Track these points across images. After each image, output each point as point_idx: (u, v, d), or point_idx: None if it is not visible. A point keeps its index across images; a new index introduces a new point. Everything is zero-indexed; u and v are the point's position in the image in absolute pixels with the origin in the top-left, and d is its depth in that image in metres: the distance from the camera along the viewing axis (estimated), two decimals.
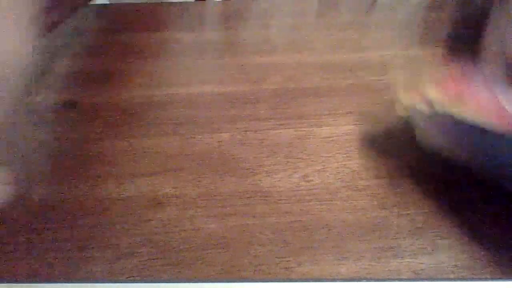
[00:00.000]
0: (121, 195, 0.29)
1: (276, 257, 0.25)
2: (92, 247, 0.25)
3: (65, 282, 0.24)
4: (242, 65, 0.42)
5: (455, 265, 0.24)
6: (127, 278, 0.24)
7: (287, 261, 0.25)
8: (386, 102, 0.36)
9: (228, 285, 0.23)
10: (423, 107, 0.28)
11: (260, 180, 0.30)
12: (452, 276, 0.24)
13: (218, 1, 0.54)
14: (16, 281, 0.24)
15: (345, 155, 0.32)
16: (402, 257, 0.25)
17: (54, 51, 0.45)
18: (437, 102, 0.28)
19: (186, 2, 0.54)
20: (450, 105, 0.27)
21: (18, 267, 0.25)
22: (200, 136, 0.34)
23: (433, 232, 0.26)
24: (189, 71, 0.41)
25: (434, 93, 0.29)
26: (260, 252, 0.25)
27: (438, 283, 0.23)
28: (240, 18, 0.50)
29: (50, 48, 0.45)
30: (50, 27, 0.38)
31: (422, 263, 0.24)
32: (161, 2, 0.54)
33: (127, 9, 0.52)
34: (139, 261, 0.25)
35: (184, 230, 0.26)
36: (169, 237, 0.26)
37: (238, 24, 0.49)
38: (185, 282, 0.23)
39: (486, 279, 0.23)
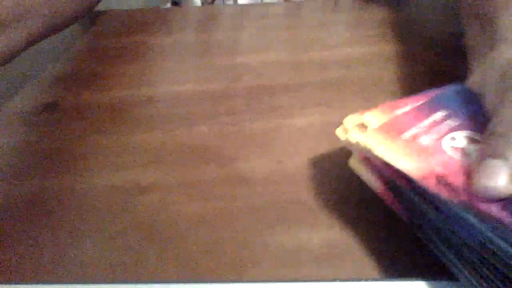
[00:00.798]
0: (107, 185, 0.30)
1: (254, 232, 0.27)
2: (83, 232, 0.27)
3: (65, 283, 0.24)
4: (217, 65, 0.45)
5: None
6: (117, 257, 0.25)
7: (264, 234, 0.27)
8: (353, 94, 0.39)
9: (228, 285, 0.24)
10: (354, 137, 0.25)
11: (238, 167, 0.32)
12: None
13: (194, 6, 0.56)
14: (16, 281, 0.25)
15: (316, 143, 0.34)
16: (365, 223, 0.27)
17: (39, 55, 0.46)
18: (366, 133, 0.25)
19: (164, 8, 0.57)
20: (378, 139, 0.24)
21: (14, 245, 0.26)
22: (180, 130, 0.36)
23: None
24: (168, 72, 0.43)
25: (369, 118, 0.26)
26: (239, 228, 0.27)
27: (438, 283, 0.24)
28: (214, 22, 0.53)
29: (35, 52, 0.46)
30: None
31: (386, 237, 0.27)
32: (142, 8, 0.56)
33: (108, 15, 0.54)
34: (132, 237, 0.27)
35: (168, 213, 0.28)
36: (155, 220, 0.28)
37: (212, 28, 0.51)
38: (185, 282, 0.24)
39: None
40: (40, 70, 0.44)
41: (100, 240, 0.27)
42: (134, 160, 0.33)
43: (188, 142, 0.35)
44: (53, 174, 0.32)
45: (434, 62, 0.43)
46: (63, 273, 0.25)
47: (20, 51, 0.36)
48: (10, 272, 0.25)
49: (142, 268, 0.25)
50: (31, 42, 0.37)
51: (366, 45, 0.47)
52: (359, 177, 0.30)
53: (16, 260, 0.26)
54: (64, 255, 0.26)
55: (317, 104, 0.39)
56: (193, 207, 0.29)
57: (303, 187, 0.30)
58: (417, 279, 0.23)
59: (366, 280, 0.24)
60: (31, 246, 0.27)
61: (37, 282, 0.24)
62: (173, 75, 0.43)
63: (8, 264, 0.26)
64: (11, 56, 0.35)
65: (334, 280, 0.24)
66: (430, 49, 0.45)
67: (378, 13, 0.53)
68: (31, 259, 0.26)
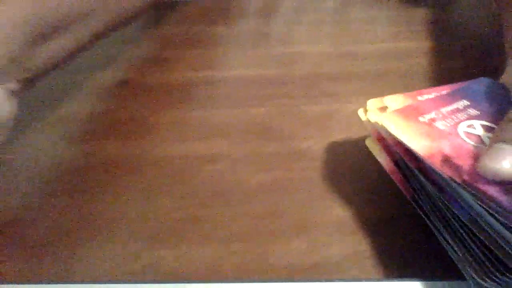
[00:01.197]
0: (177, 153, 0.34)
1: (315, 201, 0.29)
2: (159, 191, 0.30)
3: (65, 283, 0.25)
4: (273, 53, 0.47)
5: None
6: (191, 212, 0.29)
7: (324, 203, 0.29)
8: (404, 85, 0.41)
9: (230, 285, 0.25)
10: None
11: (296, 145, 0.35)
12: None
13: None
14: (16, 281, 0.25)
15: None
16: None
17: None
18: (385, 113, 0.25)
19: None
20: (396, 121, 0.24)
21: (97, 199, 0.30)
22: (240, 110, 0.39)
23: None
24: (227, 58, 0.46)
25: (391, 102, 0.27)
26: (300, 197, 0.30)
27: (438, 283, 0.24)
28: (270, 13, 0.55)
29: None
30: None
31: None
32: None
33: (172, 6, 0.58)
34: (200, 201, 0.29)
35: (234, 180, 0.31)
36: (223, 185, 0.31)
37: (268, 18, 0.54)
38: (186, 282, 0.25)
39: None
40: (114, 53, 0.48)
41: (173, 198, 0.30)
42: (201, 133, 0.36)
43: (248, 121, 0.37)
44: (129, 141, 0.35)
45: (474, 59, 0.44)
46: (142, 224, 0.28)
47: (87, 47, 0.35)
48: (97, 221, 0.29)
49: (214, 224, 0.28)
50: (97, 38, 0.36)
51: (412, 40, 0.49)
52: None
53: (101, 207, 0.30)
54: (143, 210, 0.29)
55: (370, 93, 0.40)
56: (257, 176, 0.32)
57: (358, 167, 0.32)
58: (418, 279, 0.24)
59: (367, 280, 0.25)
60: (112, 199, 0.30)
61: (38, 282, 0.25)
62: (232, 61, 0.46)
63: (97, 210, 0.29)
64: (76, 52, 0.34)
65: (333, 280, 0.25)
66: (471, 47, 0.46)
67: (423, 11, 0.54)
68: (118, 208, 0.30)
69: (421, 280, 0.24)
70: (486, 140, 0.23)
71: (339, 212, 0.29)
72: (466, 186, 0.20)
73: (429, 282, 0.24)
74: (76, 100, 0.41)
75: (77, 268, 0.26)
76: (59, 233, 0.28)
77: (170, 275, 0.25)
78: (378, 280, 0.25)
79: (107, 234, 0.28)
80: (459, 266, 0.22)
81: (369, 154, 0.33)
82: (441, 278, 0.24)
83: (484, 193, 0.20)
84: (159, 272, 0.25)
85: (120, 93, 0.41)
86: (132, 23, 0.47)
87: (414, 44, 0.47)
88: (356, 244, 0.27)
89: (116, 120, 0.38)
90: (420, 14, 0.53)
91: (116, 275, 0.25)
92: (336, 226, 0.28)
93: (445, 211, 0.23)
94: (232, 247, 0.27)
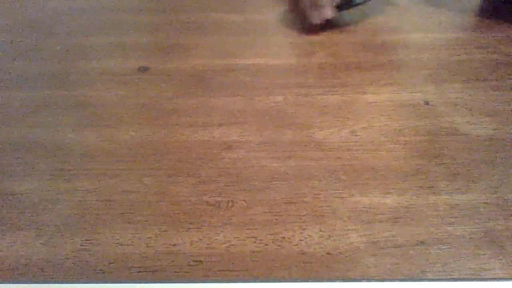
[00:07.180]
0: (197, 139, 0.34)
1: (331, 190, 0.30)
2: (179, 175, 0.31)
3: (64, 283, 0.25)
4: (290, 42, 0.47)
5: (485, 202, 0.29)
6: (209, 197, 0.29)
7: (341, 192, 0.29)
8: (423, 76, 0.41)
9: (230, 285, 0.25)
10: None
11: (313, 133, 0.35)
12: (482, 210, 0.28)
13: None
14: (16, 281, 0.25)
15: (387, 117, 0.36)
16: (439, 195, 0.29)
17: (122, 26, 0.50)
18: None
19: None
20: None
21: (117, 182, 0.30)
22: (258, 98, 0.39)
23: (467, 177, 0.30)
24: (244, 46, 0.46)
25: None
26: (317, 185, 0.30)
27: (437, 283, 0.25)
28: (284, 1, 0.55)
29: (119, 22, 0.50)
30: None
31: (457, 199, 0.29)
32: None
33: None
34: (218, 186, 0.30)
35: (252, 167, 0.31)
36: (241, 171, 0.31)
37: (284, 7, 0.54)
38: (186, 282, 0.25)
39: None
40: (135, 40, 0.48)
41: (191, 184, 0.30)
42: (219, 120, 0.36)
43: (266, 108, 0.37)
44: (149, 127, 0.36)
45: (507, 52, 0.43)
46: (160, 208, 0.29)
47: None
48: (117, 204, 0.29)
49: (232, 210, 0.28)
50: None
51: (439, 32, 0.48)
52: (429, 152, 0.31)
53: (120, 191, 0.30)
54: (162, 194, 0.30)
55: (388, 83, 0.40)
56: (274, 164, 0.32)
57: (375, 156, 0.32)
58: (419, 280, 0.24)
59: (367, 280, 0.25)
60: (132, 183, 0.31)
61: (37, 282, 0.25)
62: (248, 49, 0.46)
63: (116, 194, 0.30)
64: None
65: (334, 280, 0.25)
66: (506, 41, 0.45)
67: (455, 2, 0.53)
68: (137, 191, 0.30)
69: (425, 280, 0.24)
70: None
71: (355, 201, 0.29)
72: None
73: (433, 282, 0.24)
74: (97, 87, 0.41)
75: (95, 249, 0.26)
76: (80, 214, 0.29)
77: (186, 258, 0.26)
78: (378, 280, 0.25)
79: (126, 217, 0.28)
80: None
81: (392, 148, 0.33)
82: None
83: None
84: (176, 255, 0.26)
85: (139, 79, 0.41)
86: (151, 10, 0.47)
87: (444, 36, 0.47)
88: (372, 233, 0.27)
89: (136, 106, 0.38)
90: (452, 5, 0.52)
91: (133, 258, 0.26)
92: (352, 215, 0.28)
93: None
94: (248, 232, 0.27)
